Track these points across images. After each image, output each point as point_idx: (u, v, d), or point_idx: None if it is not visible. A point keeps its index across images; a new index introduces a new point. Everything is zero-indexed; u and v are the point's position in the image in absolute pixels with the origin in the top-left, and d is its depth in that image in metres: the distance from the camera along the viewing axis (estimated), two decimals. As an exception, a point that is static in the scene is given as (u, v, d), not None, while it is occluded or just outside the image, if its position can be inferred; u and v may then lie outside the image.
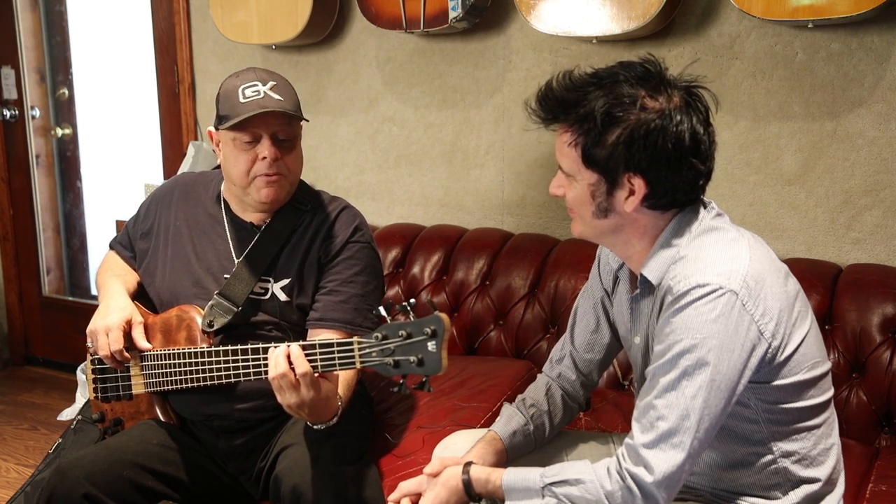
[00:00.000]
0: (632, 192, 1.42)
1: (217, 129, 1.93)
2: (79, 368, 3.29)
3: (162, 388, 1.93)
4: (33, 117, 3.84)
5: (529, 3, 2.42)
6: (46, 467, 2.13)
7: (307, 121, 1.97)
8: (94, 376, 2.08)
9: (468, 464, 1.56)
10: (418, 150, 2.94)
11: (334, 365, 1.59)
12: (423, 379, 1.50)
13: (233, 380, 1.79)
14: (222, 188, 2.05)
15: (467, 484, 1.53)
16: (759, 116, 2.39)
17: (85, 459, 1.86)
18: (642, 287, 1.52)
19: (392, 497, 1.64)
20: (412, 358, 1.48)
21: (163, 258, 2.04)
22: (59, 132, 3.88)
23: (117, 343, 1.90)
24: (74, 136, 3.90)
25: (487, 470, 1.54)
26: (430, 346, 1.47)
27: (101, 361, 2.04)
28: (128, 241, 2.14)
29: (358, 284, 1.93)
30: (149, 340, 1.94)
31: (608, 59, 1.59)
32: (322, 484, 1.74)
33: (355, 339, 1.55)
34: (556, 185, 1.51)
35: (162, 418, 1.99)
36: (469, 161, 2.85)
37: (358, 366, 1.55)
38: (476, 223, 2.85)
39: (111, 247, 2.18)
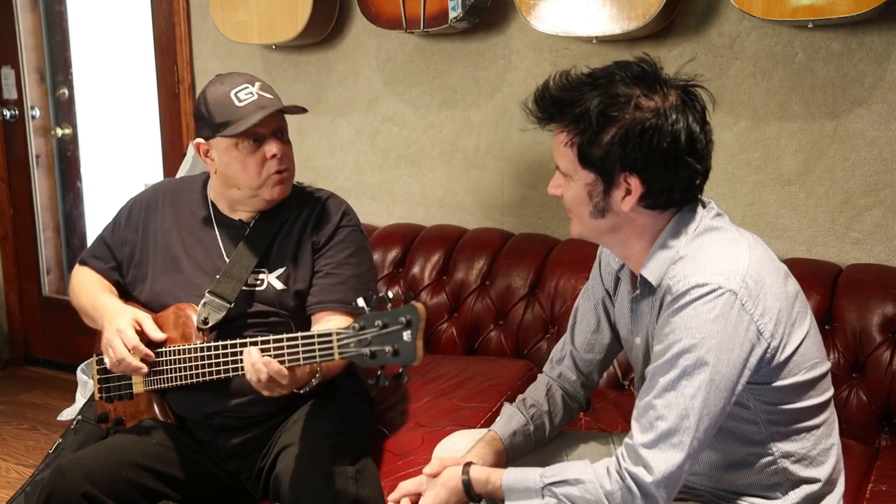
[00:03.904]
0: (628, 192, 1.42)
1: (209, 138, 1.95)
2: (79, 368, 3.29)
3: (160, 385, 1.93)
4: (33, 117, 3.84)
5: (529, 3, 2.42)
6: (46, 467, 2.13)
7: (306, 110, 2.02)
8: (98, 377, 2.09)
9: (468, 464, 1.56)
10: (418, 150, 2.93)
11: (314, 356, 1.62)
12: (400, 369, 1.50)
13: (231, 374, 1.80)
14: (208, 191, 2.08)
15: (467, 484, 1.53)
16: (759, 116, 2.39)
17: (84, 459, 1.86)
18: (642, 287, 1.52)
19: (392, 497, 1.64)
20: (388, 348, 1.49)
21: (153, 262, 2.05)
22: (59, 132, 3.87)
23: (132, 340, 1.88)
24: (74, 136, 3.90)
25: (487, 470, 1.54)
26: (406, 335, 1.48)
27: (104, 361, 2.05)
28: (106, 252, 2.12)
29: (352, 266, 1.98)
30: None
31: (608, 59, 1.58)
32: (322, 483, 1.74)
33: (334, 330, 1.57)
34: (554, 186, 1.51)
35: (160, 418, 2.00)
36: (469, 161, 2.85)
37: (336, 357, 1.57)
38: (476, 223, 2.84)
39: (83, 262, 2.14)
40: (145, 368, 1.89)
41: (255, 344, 1.69)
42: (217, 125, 1.92)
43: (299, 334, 1.64)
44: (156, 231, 2.06)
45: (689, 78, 1.45)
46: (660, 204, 1.44)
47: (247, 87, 1.92)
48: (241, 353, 1.75)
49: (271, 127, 1.93)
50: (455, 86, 2.82)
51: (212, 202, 2.06)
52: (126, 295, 2.10)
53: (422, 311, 1.48)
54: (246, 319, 1.94)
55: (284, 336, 1.66)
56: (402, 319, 1.48)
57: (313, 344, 1.61)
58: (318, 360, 1.61)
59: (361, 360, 1.53)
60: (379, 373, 1.53)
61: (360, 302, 1.53)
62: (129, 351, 1.88)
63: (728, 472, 1.53)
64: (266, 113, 1.88)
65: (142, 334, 1.91)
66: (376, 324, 1.50)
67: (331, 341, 1.58)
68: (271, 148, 1.92)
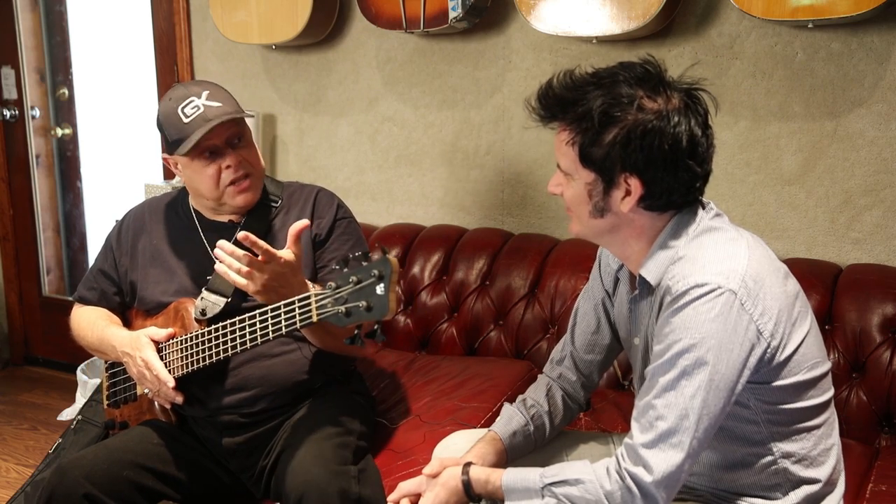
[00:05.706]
0: (628, 193, 1.43)
1: (171, 154, 1.98)
2: (79, 368, 3.29)
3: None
4: (33, 117, 3.84)
5: (529, 3, 2.42)
6: (46, 467, 2.13)
7: (252, 115, 2.02)
8: (108, 382, 2.10)
9: (468, 464, 1.56)
10: (418, 150, 2.93)
11: (295, 322, 1.64)
12: (375, 327, 1.51)
13: (230, 353, 1.81)
14: (190, 201, 2.10)
15: (467, 484, 1.53)
16: (759, 116, 2.39)
17: (85, 459, 1.87)
18: (641, 288, 1.52)
19: (391, 497, 1.65)
20: (361, 303, 1.50)
21: (143, 276, 2.06)
22: (59, 132, 3.87)
23: (157, 369, 1.89)
24: (74, 136, 3.90)
25: (487, 470, 1.54)
26: (378, 289, 1.48)
27: (113, 366, 2.09)
28: (103, 279, 2.13)
29: None
30: None
31: (608, 59, 1.59)
32: (324, 483, 1.74)
33: (313, 292, 1.60)
34: (554, 184, 1.52)
35: (161, 418, 2.00)
36: (469, 161, 2.85)
37: (315, 318, 1.59)
38: (476, 223, 2.84)
39: (79, 300, 2.16)
40: (181, 399, 1.91)
41: (242, 321, 1.76)
42: (171, 143, 1.96)
43: (281, 302, 1.67)
44: (145, 247, 2.09)
45: (692, 81, 1.45)
46: (659, 206, 1.44)
47: (192, 101, 1.92)
48: (236, 333, 1.78)
49: (224, 136, 1.94)
50: (455, 86, 2.82)
51: (195, 210, 2.09)
52: (129, 309, 2.13)
53: (394, 263, 1.48)
54: (243, 312, 1.94)
55: (269, 307, 1.70)
56: (375, 272, 1.48)
57: (294, 308, 1.64)
58: (298, 324, 1.64)
59: (338, 318, 1.54)
60: (356, 332, 1.53)
61: (336, 265, 1.55)
62: (159, 382, 1.89)
63: (728, 472, 1.53)
64: (208, 128, 1.89)
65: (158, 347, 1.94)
66: (351, 280, 1.51)
67: (310, 304, 1.60)
68: (226, 159, 1.94)
